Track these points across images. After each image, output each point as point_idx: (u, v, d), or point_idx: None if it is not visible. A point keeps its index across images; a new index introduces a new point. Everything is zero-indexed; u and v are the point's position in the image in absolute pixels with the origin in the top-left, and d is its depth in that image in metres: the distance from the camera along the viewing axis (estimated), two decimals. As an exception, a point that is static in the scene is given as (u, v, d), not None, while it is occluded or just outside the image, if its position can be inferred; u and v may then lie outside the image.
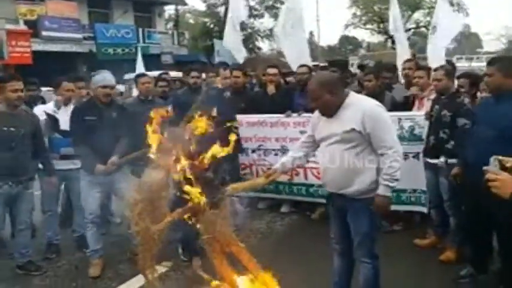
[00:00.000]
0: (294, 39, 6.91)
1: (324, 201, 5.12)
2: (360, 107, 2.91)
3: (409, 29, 31.83)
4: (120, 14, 24.19)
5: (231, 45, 7.82)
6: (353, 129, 2.86)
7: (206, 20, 34.19)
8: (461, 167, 3.68)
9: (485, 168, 1.87)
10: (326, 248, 3.54)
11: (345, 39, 37.39)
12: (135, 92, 6.73)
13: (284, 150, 5.28)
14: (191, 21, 36.72)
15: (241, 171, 5.71)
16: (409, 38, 31.86)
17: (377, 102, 3.04)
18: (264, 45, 26.34)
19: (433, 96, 4.41)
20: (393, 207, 4.54)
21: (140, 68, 7.33)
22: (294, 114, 5.27)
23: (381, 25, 35.61)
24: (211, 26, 32.89)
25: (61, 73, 5.78)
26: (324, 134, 3.04)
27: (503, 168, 1.85)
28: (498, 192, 1.77)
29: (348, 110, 2.93)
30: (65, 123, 4.47)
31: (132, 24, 24.71)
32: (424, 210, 4.66)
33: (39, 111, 4.59)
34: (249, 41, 23.61)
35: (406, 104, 4.98)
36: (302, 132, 4.63)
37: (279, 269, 3.56)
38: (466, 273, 3.71)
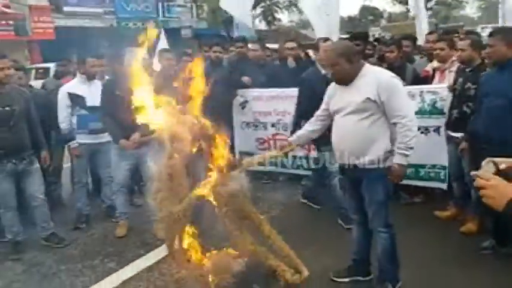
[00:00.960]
0: (325, 11, 6.79)
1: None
2: (375, 77, 2.94)
3: (433, -1, 30.79)
4: (140, -13, 24.07)
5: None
6: (368, 99, 2.89)
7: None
8: (468, 140, 3.73)
9: (474, 173, 1.48)
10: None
11: (366, 10, 36.44)
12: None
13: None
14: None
15: (260, 145, 5.78)
16: (431, 8, 30.89)
17: (392, 74, 3.06)
18: (284, 17, 25.97)
19: (454, 68, 4.33)
20: (411, 183, 4.59)
21: (163, 43, 7.32)
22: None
23: (403, -6, 34.52)
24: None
25: (83, 48, 5.88)
26: (339, 104, 3.07)
27: (498, 172, 1.45)
28: (490, 203, 1.37)
29: (363, 80, 2.96)
30: (91, 100, 4.61)
31: (151, -3, 24.58)
32: (444, 186, 4.56)
33: (63, 93, 4.70)
34: (267, 13, 23.23)
35: (427, 78, 4.89)
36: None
37: (301, 239, 3.70)
38: (489, 245, 3.72)
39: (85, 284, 3.52)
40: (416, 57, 5.55)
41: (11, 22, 16.77)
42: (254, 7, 12.46)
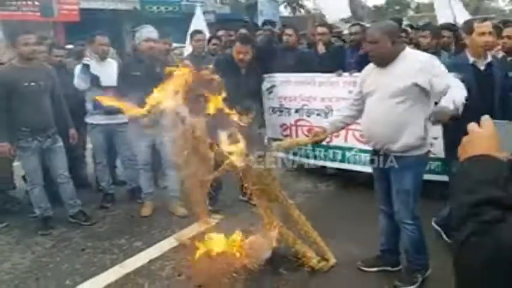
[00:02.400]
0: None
1: (356, 168, 5.12)
2: (415, 59, 2.86)
3: (463, -11, 29.92)
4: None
5: None
6: (405, 82, 2.81)
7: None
8: None
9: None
10: (372, 209, 3.57)
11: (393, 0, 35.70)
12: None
13: (328, 111, 5.20)
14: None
15: (283, 132, 5.71)
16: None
17: (428, 54, 2.99)
18: (309, 4, 25.70)
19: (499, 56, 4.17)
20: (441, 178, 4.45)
21: (199, 24, 7.26)
22: (345, 74, 5.17)
23: (433, -16, 33.59)
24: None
25: (105, 30, 5.87)
26: (374, 86, 2.98)
27: None
28: (461, 148, 1.07)
29: (402, 63, 2.87)
30: (104, 80, 4.60)
31: (175, -20, 24.47)
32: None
33: (78, 66, 4.68)
34: (292, -1, 23.06)
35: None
36: (351, 92, 4.53)
37: (327, 228, 3.65)
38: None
39: (113, 261, 3.55)
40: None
41: (37, 3, 16.91)
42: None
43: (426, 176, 3.38)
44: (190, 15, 10.20)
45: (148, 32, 4.33)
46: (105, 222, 4.37)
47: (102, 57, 4.71)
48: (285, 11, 21.86)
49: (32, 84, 3.98)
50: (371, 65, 3.07)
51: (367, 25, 7.61)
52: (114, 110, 4.49)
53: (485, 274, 0.82)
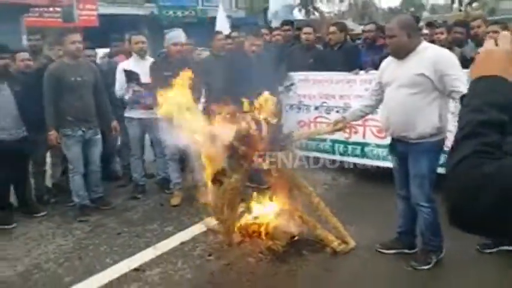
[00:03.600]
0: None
1: (374, 163, 5.33)
2: (432, 53, 3.07)
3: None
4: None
5: None
6: (422, 74, 3.01)
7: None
8: None
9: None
10: (390, 199, 3.79)
11: (408, 1, 35.70)
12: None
13: (347, 108, 5.41)
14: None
15: (300, 128, 5.94)
16: (477, 0, 29.90)
17: (448, 51, 3.20)
18: (323, 7, 25.98)
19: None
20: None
21: (223, 25, 7.57)
22: (361, 72, 5.40)
23: (448, -15, 33.56)
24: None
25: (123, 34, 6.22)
26: (392, 77, 3.19)
27: None
28: (474, 67, 1.02)
29: (419, 56, 3.07)
30: (144, 77, 4.89)
31: (192, -14, 24.92)
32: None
33: (119, 69, 5.01)
34: (307, 2, 23.28)
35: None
36: (367, 90, 4.77)
37: (346, 216, 3.88)
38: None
39: (147, 243, 3.84)
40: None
41: (58, 9, 17.45)
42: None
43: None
44: (205, 19, 10.49)
45: (176, 36, 4.64)
46: (137, 210, 4.66)
47: (141, 55, 5.01)
48: (299, 14, 22.10)
49: (78, 79, 4.36)
50: (390, 58, 3.30)
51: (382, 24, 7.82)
52: (151, 105, 4.84)
53: (474, 195, 0.82)
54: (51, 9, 17.02)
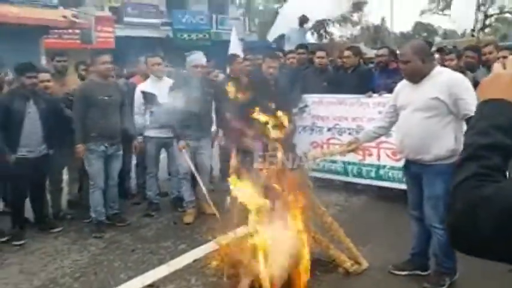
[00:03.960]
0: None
1: (389, 185, 5.35)
2: (446, 77, 3.13)
3: (491, 15, 29.98)
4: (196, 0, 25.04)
5: None
6: (437, 98, 3.06)
7: (276, 6, 34.39)
8: None
9: None
10: (403, 220, 3.78)
11: (420, 26, 36.01)
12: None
13: (359, 130, 5.46)
14: (261, 7, 37.14)
15: (312, 150, 5.99)
16: (490, 25, 30.05)
17: (461, 75, 3.26)
18: (335, 31, 26.32)
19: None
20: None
21: (236, 48, 7.79)
22: (375, 95, 5.46)
23: (460, 11, 33.88)
24: (283, 12, 33.02)
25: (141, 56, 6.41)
26: (407, 100, 3.25)
27: None
28: (480, 87, 1.03)
29: (433, 80, 3.13)
30: (162, 97, 5.01)
31: (206, 10, 25.49)
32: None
33: (137, 92, 5.17)
34: (319, 27, 23.58)
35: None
36: (380, 113, 4.83)
37: (358, 236, 3.89)
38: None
39: (161, 260, 3.87)
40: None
41: (77, 31, 17.95)
42: (302, 23, 12.79)
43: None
44: (218, 43, 10.71)
45: (197, 58, 4.80)
46: (151, 228, 4.72)
47: (158, 76, 5.17)
48: (311, 38, 22.39)
49: (106, 98, 4.54)
50: (404, 81, 3.36)
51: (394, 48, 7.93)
52: (169, 125, 4.97)
53: (473, 218, 0.82)
54: (70, 31, 17.51)
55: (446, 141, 3.12)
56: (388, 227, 4.43)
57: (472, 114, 2.92)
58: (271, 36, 14.82)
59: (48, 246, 4.28)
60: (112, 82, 4.81)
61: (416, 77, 3.19)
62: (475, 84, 4.96)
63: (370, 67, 6.49)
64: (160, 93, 5.04)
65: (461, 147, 2.96)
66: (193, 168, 4.68)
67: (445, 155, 3.13)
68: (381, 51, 5.90)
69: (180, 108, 4.56)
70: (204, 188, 4.69)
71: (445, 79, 3.11)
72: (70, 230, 4.70)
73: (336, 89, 5.79)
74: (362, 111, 5.60)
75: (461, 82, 3.12)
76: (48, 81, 4.83)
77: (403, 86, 3.38)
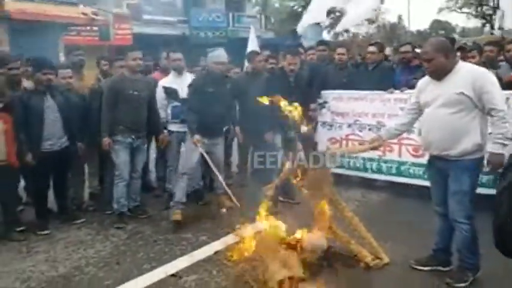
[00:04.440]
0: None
1: (410, 181, 5.31)
2: (469, 72, 3.11)
3: None
4: (213, -1, 25.12)
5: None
6: (461, 93, 3.05)
7: (292, 3, 34.32)
8: None
9: None
10: (424, 216, 3.74)
11: (437, 24, 35.59)
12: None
13: (380, 126, 5.45)
14: (277, 5, 37.13)
15: (331, 146, 5.97)
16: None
17: (485, 69, 3.23)
18: (351, 29, 26.18)
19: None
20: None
21: (254, 45, 7.85)
22: (396, 91, 5.44)
23: (479, 8, 33.40)
24: (299, 9, 32.95)
25: (157, 54, 6.44)
26: (431, 97, 3.23)
27: None
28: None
29: (457, 75, 3.12)
30: (183, 92, 5.07)
31: (222, 7, 25.54)
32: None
33: (159, 87, 5.22)
34: (337, 23, 23.53)
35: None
36: (402, 109, 4.81)
37: (379, 232, 3.87)
38: None
39: (182, 251, 3.93)
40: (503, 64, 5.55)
41: (95, 28, 18.17)
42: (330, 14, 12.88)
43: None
44: (235, 40, 10.76)
45: (218, 55, 4.82)
46: (171, 220, 4.75)
47: (179, 71, 5.22)
48: (327, 35, 22.31)
49: (135, 93, 4.64)
50: (427, 78, 3.34)
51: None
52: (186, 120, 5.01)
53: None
54: (88, 28, 17.73)
55: (472, 136, 3.11)
56: (409, 222, 4.42)
57: (497, 108, 2.96)
58: (302, 26, 14.84)
59: (72, 236, 4.37)
60: (142, 77, 4.89)
61: (441, 73, 3.17)
62: (498, 80, 4.91)
63: (392, 64, 6.45)
64: (181, 88, 5.10)
65: (486, 141, 2.97)
66: (210, 162, 4.68)
67: (471, 150, 3.12)
68: (404, 48, 5.88)
69: (198, 104, 4.60)
70: (223, 182, 4.71)
71: (468, 74, 3.09)
72: (93, 221, 4.78)
73: (356, 86, 5.77)
74: (382, 107, 5.58)
75: (486, 76, 3.10)
76: (70, 77, 4.92)
77: (426, 82, 3.36)
